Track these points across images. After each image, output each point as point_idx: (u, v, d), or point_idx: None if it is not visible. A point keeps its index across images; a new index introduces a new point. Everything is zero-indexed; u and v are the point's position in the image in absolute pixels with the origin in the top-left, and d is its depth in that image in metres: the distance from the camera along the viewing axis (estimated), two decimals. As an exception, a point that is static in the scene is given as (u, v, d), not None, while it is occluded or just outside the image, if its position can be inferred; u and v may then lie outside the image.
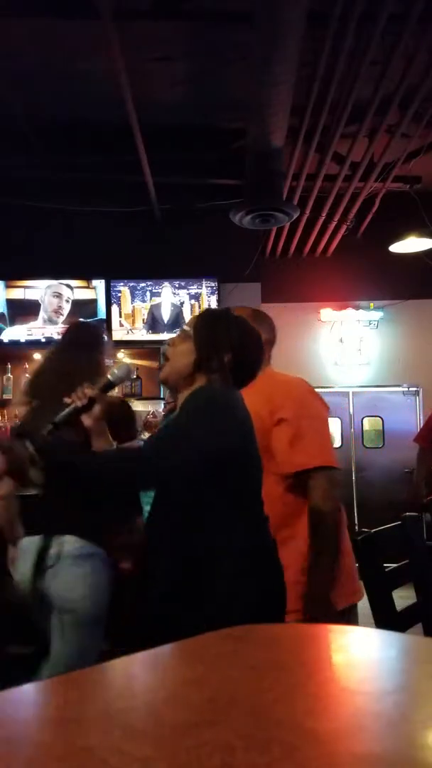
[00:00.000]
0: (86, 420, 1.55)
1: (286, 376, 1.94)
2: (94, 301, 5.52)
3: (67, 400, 1.55)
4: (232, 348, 1.50)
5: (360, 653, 0.75)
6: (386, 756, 0.45)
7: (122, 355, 5.70)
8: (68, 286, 5.51)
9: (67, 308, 5.49)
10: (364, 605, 1.62)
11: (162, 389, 5.51)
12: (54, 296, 5.49)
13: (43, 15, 3.60)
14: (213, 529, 1.37)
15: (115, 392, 5.44)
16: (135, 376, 5.57)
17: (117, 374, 1.66)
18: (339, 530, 1.74)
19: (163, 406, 3.76)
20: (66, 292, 5.51)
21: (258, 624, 0.81)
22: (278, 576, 1.45)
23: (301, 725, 0.49)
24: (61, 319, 5.49)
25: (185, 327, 1.58)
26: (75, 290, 5.53)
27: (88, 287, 5.55)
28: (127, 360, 5.72)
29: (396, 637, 0.85)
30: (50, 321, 5.48)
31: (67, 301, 5.50)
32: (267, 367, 1.90)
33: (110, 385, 1.65)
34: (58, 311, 5.48)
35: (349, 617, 1.78)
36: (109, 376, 1.65)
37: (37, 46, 3.95)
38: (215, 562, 1.35)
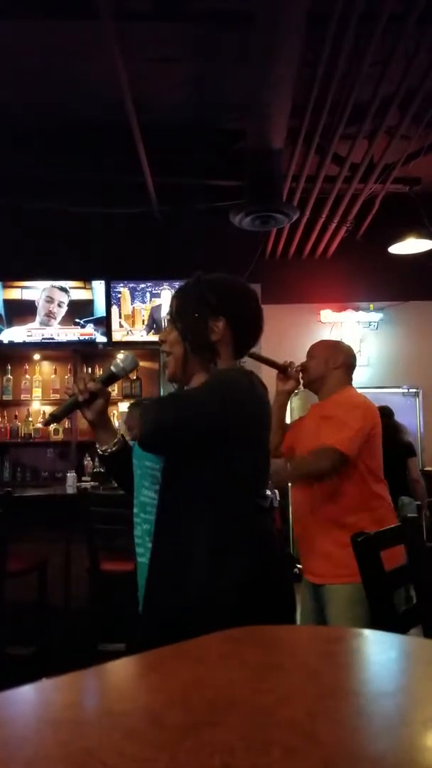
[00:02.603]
0: (88, 414, 1.47)
1: (363, 397, 2.44)
2: (91, 302, 5.53)
3: (68, 392, 1.48)
4: (221, 312, 1.43)
5: (360, 655, 0.75)
6: (386, 757, 0.45)
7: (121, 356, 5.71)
8: (62, 288, 5.51)
9: (60, 311, 5.50)
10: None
11: (162, 390, 5.51)
12: (46, 300, 5.50)
13: (44, 16, 3.60)
14: (198, 513, 1.33)
15: (114, 393, 5.46)
16: (135, 378, 5.57)
17: (121, 366, 1.54)
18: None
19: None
20: (58, 296, 5.51)
21: (257, 626, 0.81)
22: (267, 563, 1.38)
23: (301, 727, 0.49)
24: (54, 322, 5.49)
25: (167, 316, 1.51)
26: (73, 291, 5.54)
27: (85, 288, 5.56)
28: (127, 361, 5.72)
29: (396, 638, 0.84)
30: (44, 324, 5.50)
31: (60, 305, 5.51)
32: (350, 386, 2.41)
33: (113, 377, 1.53)
34: (50, 315, 5.50)
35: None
36: (112, 368, 1.53)
37: (37, 47, 3.95)
38: (221, 544, 1.31)
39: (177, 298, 1.51)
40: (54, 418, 1.51)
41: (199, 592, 1.28)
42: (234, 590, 1.29)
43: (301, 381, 2.46)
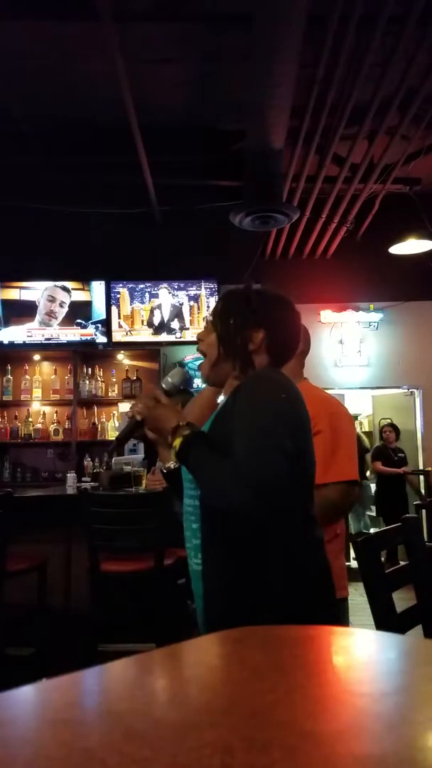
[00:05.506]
0: (149, 432, 1.50)
1: (324, 393, 2.09)
2: (89, 303, 5.53)
3: (128, 414, 1.51)
4: (262, 324, 1.41)
5: (360, 655, 0.75)
6: (386, 758, 0.45)
7: (122, 357, 5.70)
8: (64, 288, 5.52)
9: (61, 312, 5.51)
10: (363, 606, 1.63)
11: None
12: (48, 300, 5.50)
13: (44, 17, 3.60)
14: (272, 526, 1.27)
15: (114, 393, 5.45)
16: (135, 378, 5.57)
17: (171, 382, 1.57)
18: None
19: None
20: (60, 296, 5.51)
21: (257, 626, 0.81)
22: (327, 567, 1.38)
23: (302, 727, 0.49)
24: (55, 322, 5.49)
25: (209, 317, 1.53)
26: (72, 292, 5.55)
27: (83, 289, 5.56)
28: (127, 362, 5.72)
29: (396, 638, 0.84)
30: (44, 323, 5.49)
31: (62, 305, 5.51)
32: (303, 379, 2.07)
33: (166, 395, 1.54)
34: (51, 314, 5.50)
35: (341, 609, 1.94)
36: (162, 385, 1.56)
37: (37, 48, 3.95)
38: (272, 556, 1.28)
39: (222, 302, 1.51)
40: (120, 441, 1.57)
41: (260, 600, 1.26)
42: (294, 595, 1.27)
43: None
